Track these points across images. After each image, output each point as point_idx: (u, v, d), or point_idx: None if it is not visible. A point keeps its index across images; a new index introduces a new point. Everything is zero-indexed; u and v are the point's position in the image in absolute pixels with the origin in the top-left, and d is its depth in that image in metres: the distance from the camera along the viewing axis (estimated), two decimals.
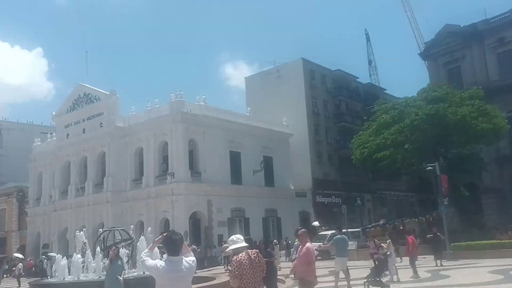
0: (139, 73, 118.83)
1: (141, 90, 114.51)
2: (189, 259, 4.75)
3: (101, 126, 38.29)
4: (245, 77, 55.14)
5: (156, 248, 6.26)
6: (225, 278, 16.11)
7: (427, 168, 25.53)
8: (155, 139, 35.28)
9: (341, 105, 51.89)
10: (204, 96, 37.51)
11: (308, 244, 8.52)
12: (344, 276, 14.26)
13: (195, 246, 28.84)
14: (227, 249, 5.99)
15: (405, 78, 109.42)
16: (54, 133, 44.04)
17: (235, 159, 37.41)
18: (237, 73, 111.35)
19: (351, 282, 14.15)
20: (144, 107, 37.67)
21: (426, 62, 45.37)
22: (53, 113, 43.78)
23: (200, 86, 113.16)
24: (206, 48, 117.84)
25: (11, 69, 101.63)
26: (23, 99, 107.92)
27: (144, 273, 15.69)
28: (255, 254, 5.62)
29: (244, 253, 5.55)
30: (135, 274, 15.52)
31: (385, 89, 59.28)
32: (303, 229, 8.88)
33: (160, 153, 35.40)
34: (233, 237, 5.94)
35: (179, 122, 33.88)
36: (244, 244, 5.78)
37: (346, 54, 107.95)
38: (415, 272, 16.44)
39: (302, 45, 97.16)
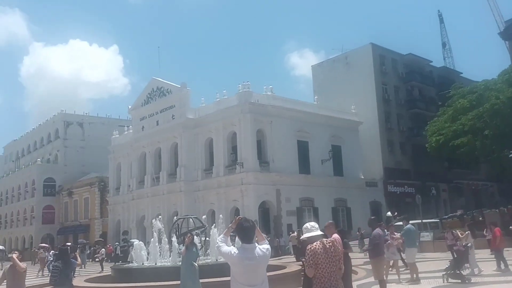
0: (208, 66, 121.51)
1: (210, 82, 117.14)
2: (263, 247, 4.70)
3: (173, 118, 39.69)
4: (312, 66, 54.51)
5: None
6: (295, 267, 16.15)
7: (510, 156, 23.87)
8: (224, 130, 35.96)
9: (413, 91, 49.75)
10: (271, 86, 37.63)
11: (335, 236, 8.45)
12: (407, 268, 13.78)
13: (265, 235, 29.15)
14: (302, 237, 5.86)
15: (483, 60, 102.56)
16: (130, 126, 46.33)
17: (303, 149, 37.23)
18: (303, 62, 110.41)
19: (422, 275, 13.62)
20: (213, 99, 38.53)
21: (506, 42, 42.15)
22: (129, 106, 46.02)
23: (267, 77, 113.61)
24: (272, 38, 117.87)
25: (90, 67, 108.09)
26: (102, 95, 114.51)
27: (217, 259, 16.16)
28: (330, 243, 5.45)
29: (318, 242, 5.40)
30: (209, 260, 16.01)
31: (461, 73, 55.96)
32: (330, 221, 9.15)
33: (229, 143, 36.08)
34: (307, 224, 5.78)
35: (247, 113, 34.25)
36: (319, 232, 5.62)
37: (418, 37, 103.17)
38: (505, 265, 15.27)
39: (370, 30, 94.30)
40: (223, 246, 4.73)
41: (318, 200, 36.48)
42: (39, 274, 25.19)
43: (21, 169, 66.24)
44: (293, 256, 24.49)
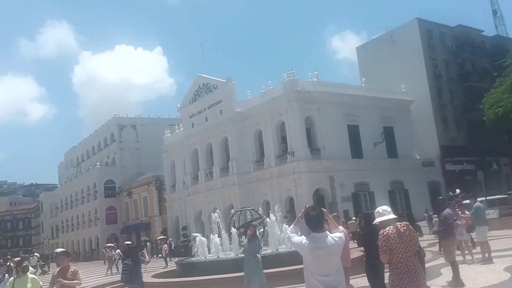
0: (251, 57, 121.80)
1: (254, 73, 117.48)
2: (335, 236, 4.58)
3: (221, 113, 40.18)
4: (356, 47, 53.35)
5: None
6: (356, 253, 16.01)
7: None
8: (272, 120, 36.01)
9: (465, 64, 47.56)
10: (316, 72, 37.20)
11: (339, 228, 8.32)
12: (478, 247, 13.27)
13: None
14: (374, 222, 5.69)
15: None
16: (180, 124, 47.37)
17: (353, 133, 36.62)
18: (345, 45, 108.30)
19: (493, 254, 13.10)
20: (259, 90, 38.62)
21: None
22: (178, 105, 47.04)
23: (310, 63, 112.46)
24: (311, 24, 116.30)
25: (137, 70, 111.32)
26: (150, 96, 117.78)
27: (277, 250, 16.32)
28: (405, 227, 5.23)
29: (392, 226, 5.21)
30: (268, 251, 16.16)
31: None
32: (334, 214, 9.27)
33: (278, 133, 36.11)
34: (378, 209, 5.60)
35: (293, 101, 34.09)
36: (392, 216, 5.38)
37: (466, 7, 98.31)
38: None
39: (415, 4, 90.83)
40: (294, 237, 4.66)
41: (374, 184, 35.84)
42: (108, 272, 26.43)
43: (82, 173, 69.55)
44: (354, 243, 24.23)
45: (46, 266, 37.52)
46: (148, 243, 42.63)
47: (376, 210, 5.64)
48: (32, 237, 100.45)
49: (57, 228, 76.78)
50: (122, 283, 12.48)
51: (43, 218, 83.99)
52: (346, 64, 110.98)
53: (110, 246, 34.77)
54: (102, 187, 61.51)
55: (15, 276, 7.28)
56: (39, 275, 34.93)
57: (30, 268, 15.99)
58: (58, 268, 7.34)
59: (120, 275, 11.28)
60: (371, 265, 7.11)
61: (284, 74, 35.53)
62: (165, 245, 32.42)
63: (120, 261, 26.79)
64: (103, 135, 67.97)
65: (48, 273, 34.76)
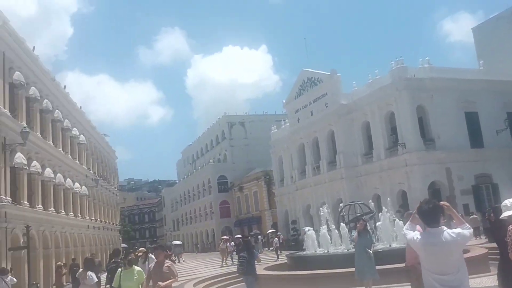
0: (355, 47, 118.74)
1: (360, 64, 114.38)
2: (453, 231, 4.22)
3: (327, 106, 39.80)
4: (471, 28, 49.10)
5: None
6: (480, 250, 14.84)
7: None
8: (380, 111, 34.74)
9: None
10: (427, 58, 35.03)
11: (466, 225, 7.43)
12: None
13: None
14: (501, 216, 5.23)
15: None
16: (286, 120, 47.93)
17: (472, 121, 33.83)
18: (458, 27, 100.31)
19: None
20: (365, 81, 37.51)
21: None
22: (283, 101, 47.62)
23: (419, 49, 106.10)
24: (420, 8, 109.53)
25: (244, 70, 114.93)
26: (257, 94, 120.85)
27: (390, 245, 15.76)
28: None
29: None
30: (381, 247, 15.69)
31: None
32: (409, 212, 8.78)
33: (387, 125, 34.74)
34: (506, 201, 5.19)
35: (403, 90, 32.52)
36: None
37: None
38: None
39: None
40: (409, 233, 4.45)
41: (497, 175, 32.79)
42: (223, 264, 27.73)
43: (197, 170, 73.89)
44: (475, 238, 22.47)
45: (173, 256, 40.68)
46: (259, 236, 43.94)
47: (504, 203, 5.22)
48: (156, 229, 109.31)
49: (178, 221, 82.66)
50: (237, 274, 13.08)
51: (165, 212, 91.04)
52: (460, 47, 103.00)
53: (225, 239, 36.52)
54: (216, 183, 64.79)
55: (123, 268, 7.54)
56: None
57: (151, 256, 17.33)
58: (153, 263, 7.26)
59: (236, 266, 11.83)
60: (501, 264, 6.47)
61: (392, 62, 34.05)
62: (276, 238, 33.09)
63: (234, 253, 28.05)
64: (214, 133, 71.43)
65: (183, 261, 37.63)
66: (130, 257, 7.57)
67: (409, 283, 8.60)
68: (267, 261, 24.72)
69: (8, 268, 18.52)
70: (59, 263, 24.74)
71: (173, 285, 7.84)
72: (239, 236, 40.20)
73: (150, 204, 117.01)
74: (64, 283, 21.98)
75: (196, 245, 66.51)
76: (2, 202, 20.65)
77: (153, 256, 13.74)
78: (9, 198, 21.55)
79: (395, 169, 33.21)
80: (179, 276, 22.35)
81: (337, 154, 38.42)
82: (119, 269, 7.45)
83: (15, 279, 16.39)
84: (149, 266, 13.40)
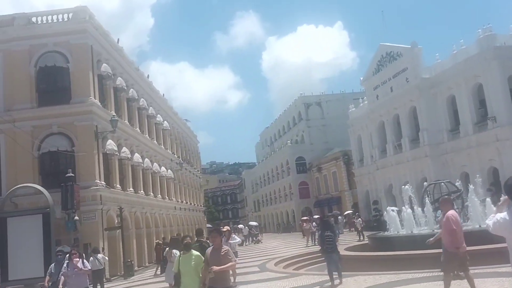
0: (437, 17, 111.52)
1: (442, 34, 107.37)
2: None
3: (408, 81, 38.08)
4: None
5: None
6: None
7: None
8: (467, 84, 32.55)
9: None
10: None
11: (450, 212, 8.35)
12: None
13: None
14: None
15: None
16: (364, 97, 46.61)
17: None
18: None
19: None
20: (449, 52, 35.24)
21: None
22: (361, 78, 46.29)
23: (509, 15, 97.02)
24: None
25: (319, 48, 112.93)
26: (333, 73, 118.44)
27: (479, 225, 14.93)
28: None
29: None
30: (470, 228, 14.94)
31: None
32: (445, 196, 9.49)
33: (475, 98, 32.50)
34: None
35: (492, 59, 30.14)
36: None
37: None
38: None
39: None
40: (492, 218, 4.18)
41: None
42: (308, 244, 27.96)
43: (275, 152, 74.60)
44: None
45: (259, 235, 41.90)
46: (339, 217, 43.65)
47: None
48: (238, 210, 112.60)
49: (258, 202, 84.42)
50: (319, 254, 13.23)
51: (246, 193, 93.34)
52: None
53: (305, 219, 36.78)
54: (294, 164, 65.04)
55: (181, 252, 7.23)
56: (253, 243, 39.05)
57: (237, 238, 17.88)
58: (211, 248, 6.83)
59: (322, 246, 12.17)
60: None
61: (479, 30, 31.64)
62: (359, 219, 32.63)
63: (316, 233, 28.20)
64: (291, 115, 71.43)
65: (261, 242, 38.58)
66: (186, 241, 7.29)
67: (452, 268, 8.54)
68: (348, 242, 24.56)
69: (101, 247, 20.18)
70: (157, 240, 26.57)
71: (235, 268, 7.94)
72: (317, 216, 40.28)
73: (232, 186, 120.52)
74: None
75: (278, 225, 67.61)
76: (98, 186, 22.44)
77: (234, 236, 14.31)
78: (103, 182, 23.36)
79: (484, 145, 31.08)
80: (261, 256, 22.96)
81: (420, 131, 36.73)
82: (178, 254, 7.28)
83: (106, 258, 17.77)
84: (228, 242, 14.04)
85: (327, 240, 11.88)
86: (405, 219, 17.10)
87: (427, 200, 18.29)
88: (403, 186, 21.03)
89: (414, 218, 17.12)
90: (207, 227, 48.47)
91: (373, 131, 43.90)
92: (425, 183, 24.68)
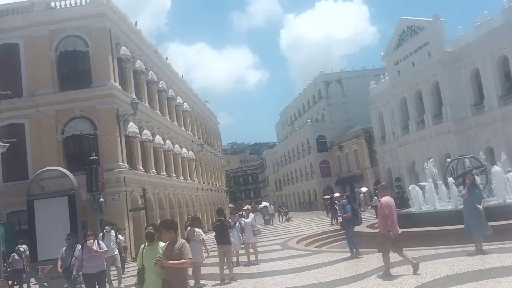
0: None
1: (465, 6, 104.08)
2: None
3: (430, 56, 37.20)
4: None
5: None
6: None
7: None
8: (492, 56, 31.60)
9: None
10: None
11: (384, 198, 9.18)
12: None
13: None
14: None
15: None
16: (386, 73, 45.80)
17: None
18: None
19: None
20: (472, 25, 34.17)
21: None
22: (382, 54, 45.41)
23: None
24: None
25: (339, 25, 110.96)
26: (353, 49, 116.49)
27: (504, 201, 14.69)
28: None
29: None
30: (494, 202, 14.71)
31: None
32: (382, 183, 10.12)
33: (500, 70, 31.57)
34: None
35: None
36: None
37: None
38: None
39: None
40: None
41: None
42: (333, 222, 28.02)
43: (296, 131, 74.38)
44: None
45: (288, 214, 42.12)
46: (361, 194, 43.45)
47: None
48: (260, 190, 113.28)
49: (280, 182, 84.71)
50: (340, 231, 13.51)
51: (268, 173, 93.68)
52: None
53: (326, 198, 36.79)
54: (315, 143, 64.78)
55: (145, 244, 5.79)
56: (284, 221, 39.19)
57: (248, 219, 17.98)
58: (166, 244, 5.55)
59: (356, 218, 13.40)
60: None
61: (504, 0, 30.54)
62: (375, 197, 32.47)
63: (332, 210, 28.25)
64: (311, 93, 70.83)
65: (291, 220, 38.72)
66: (147, 231, 5.71)
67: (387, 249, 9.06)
68: (369, 219, 24.48)
69: (124, 227, 20.58)
70: (186, 220, 26.99)
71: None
72: (338, 194, 40.28)
73: (253, 166, 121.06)
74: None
75: (302, 204, 67.87)
76: (121, 168, 22.84)
77: (246, 215, 14.43)
78: (126, 164, 23.75)
79: (510, 119, 30.30)
80: (283, 234, 23.10)
81: (443, 106, 36.00)
82: (142, 246, 5.83)
83: (123, 237, 17.97)
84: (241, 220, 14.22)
85: (354, 213, 13.11)
86: (428, 195, 16.93)
87: (450, 176, 18.04)
88: (426, 162, 20.73)
89: (437, 194, 16.93)
90: (230, 207, 49.02)
91: (395, 107, 43.24)
92: (448, 159, 24.31)
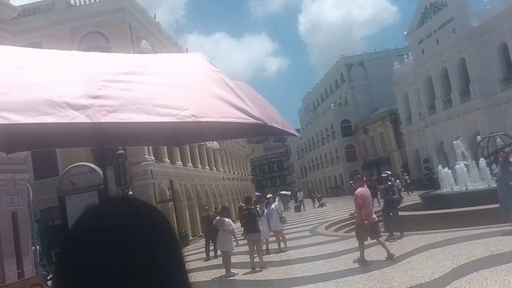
0: None
1: None
2: None
3: (455, 32, 36.13)
4: None
5: None
6: None
7: None
8: None
9: None
10: None
11: (358, 189, 9.80)
12: None
13: None
14: None
15: None
16: (409, 53, 44.80)
17: None
18: None
19: None
20: None
21: None
22: (405, 33, 44.39)
23: None
24: None
25: (358, 5, 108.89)
26: (374, 30, 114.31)
27: None
28: None
29: None
30: None
31: None
32: (357, 175, 11.40)
33: None
34: None
35: None
36: None
37: None
38: None
39: None
40: None
41: None
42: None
43: (319, 116, 73.75)
44: None
45: (322, 199, 41.96)
46: (391, 178, 42.75)
47: None
48: (286, 177, 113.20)
49: (305, 168, 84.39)
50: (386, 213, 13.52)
51: (292, 160, 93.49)
52: None
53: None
54: (339, 127, 64.13)
55: None
56: (318, 207, 39.03)
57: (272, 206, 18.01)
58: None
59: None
60: None
61: None
62: (398, 180, 31.99)
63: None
64: (333, 77, 69.97)
65: (325, 205, 38.51)
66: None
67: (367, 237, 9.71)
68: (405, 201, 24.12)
69: None
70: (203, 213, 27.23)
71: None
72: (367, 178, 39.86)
73: (277, 154, 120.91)
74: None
75: (330, 189, 67.47)
76: (147, 161, 23.08)
77: (270, 203, 14.42)
78: (153, 157, 23.99)
79: None
80: (312, 220, 22.99)
81: (471, 83, 35.01)
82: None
83: None
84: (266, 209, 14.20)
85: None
86: (459, 175, 16.54)
87: (481, 155, 17.56)
88: (455, 141, 20.22)
89: (468, 174, 16.52)
90: (256, 195, 49.18)
91: (420, 87, 42.32)
92: (478, 137, 23.69)
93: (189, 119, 1.98)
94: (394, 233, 12.56)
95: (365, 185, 10.50)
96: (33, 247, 14.45)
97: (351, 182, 38.35)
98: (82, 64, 2.36)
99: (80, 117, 1.89)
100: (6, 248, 13.39)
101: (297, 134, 3.14)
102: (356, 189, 10.04)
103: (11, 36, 17.67)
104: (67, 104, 1.90)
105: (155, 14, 29.71)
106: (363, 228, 9.62)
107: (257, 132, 3.21)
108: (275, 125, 2.42)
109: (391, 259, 9.27)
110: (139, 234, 0.78)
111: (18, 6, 16.39)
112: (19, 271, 13.65)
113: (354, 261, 9.68)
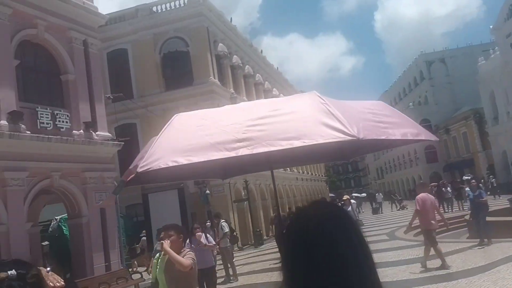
0: None
1: None
2: None
3: None
4: None
5: None
6: None
7: None
8: None
9: None
10: None
11: (419, 195, 9.93)
12: None
13: None
14: None
15: None
16: (496, 48, 41.88)
17: None
18: None
19: None
20: None
21: None
22: (491, 27, 41.56)
23: None
24: None
25: (437, 1, 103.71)
26: (455, 25, 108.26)
27: None
28: None
29: None
30: None
31: None
32: (420, 182, 9.98)
33: None
34: None
35: None
36: None
37: None
38: None
39: None
40: None
41: None
42: (448, 210, 26.44)
43: None
44: None
45: (402, 202, 40.76)
46: (472, 181, 40.17)
47: None
48: (361, 178, 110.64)
49: (381, 169, 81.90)
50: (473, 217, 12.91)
51: (368, 161, 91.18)
52: None
53: (433, 185, 34.60)
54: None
55: (160, 255, 5.12)
56: (398, 210, 37.83)
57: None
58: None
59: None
60: None
61: None
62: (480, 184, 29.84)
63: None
64: (412, 75, 67.22)
65: (406, 208, 37.28)
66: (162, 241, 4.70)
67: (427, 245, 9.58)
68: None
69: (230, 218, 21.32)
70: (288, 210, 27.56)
71: None
72: (434, 184, 37.64)
73: None
74: None
75: (409, 191, 64.90)
76: None
77: (347, 205, 14.07)
78: None
79: None
80: (389, 223, 22.30)
81: None
82: (157, 255, 5.09)
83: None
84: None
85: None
86: None
87: None
88: None
89: None
90: (330, 196, 48.59)
91: (508, 84, 39.36)
92: None
93: (294, 145, 2.94)
94: (484, 240, 11.83)
95: (427, 192, 10.55)
96: (119, 242, 15.43)
97: (432, 184, 36.69)
98: (234, 114, 3.47)
99: (229, 153, 3.01)
100: (95, 241, 14.43)
101: (431, 138, 4.01)
102: (417, 194, 10.14)
103: (100, 42, 19.03)
104: (223, 146, 3.04)
105: (231, 18, 30.42)
106: (426, 233, 9.73)
107: (372, 148, 4.67)
108: (384, 137, 3.32)
109: (444, 268, 9.11)
110: (352, 225, 1.05)
111: (105, 14, 17.64)
112: (106, 264, 14.67)
113: (437, 268, 9.26)
